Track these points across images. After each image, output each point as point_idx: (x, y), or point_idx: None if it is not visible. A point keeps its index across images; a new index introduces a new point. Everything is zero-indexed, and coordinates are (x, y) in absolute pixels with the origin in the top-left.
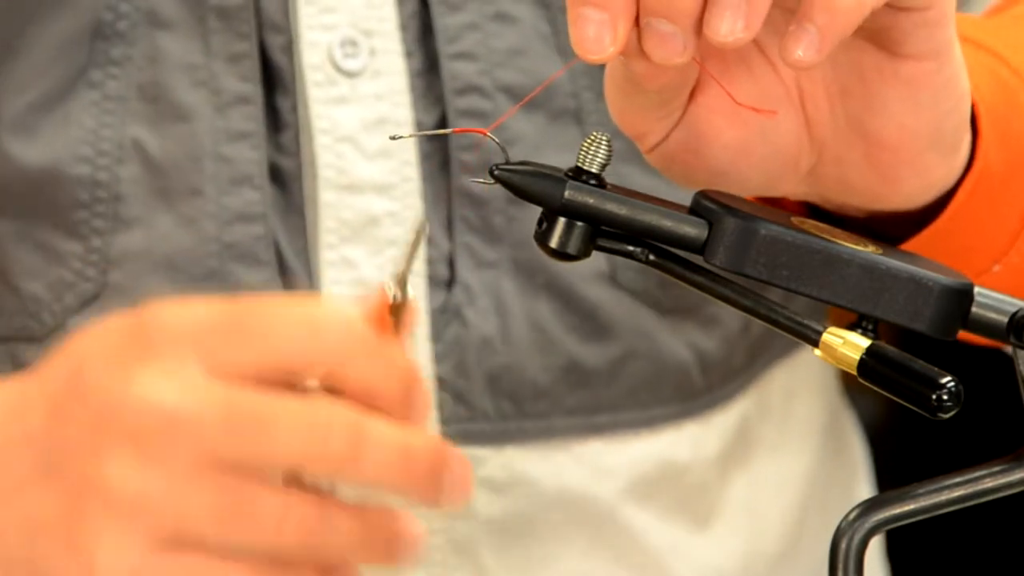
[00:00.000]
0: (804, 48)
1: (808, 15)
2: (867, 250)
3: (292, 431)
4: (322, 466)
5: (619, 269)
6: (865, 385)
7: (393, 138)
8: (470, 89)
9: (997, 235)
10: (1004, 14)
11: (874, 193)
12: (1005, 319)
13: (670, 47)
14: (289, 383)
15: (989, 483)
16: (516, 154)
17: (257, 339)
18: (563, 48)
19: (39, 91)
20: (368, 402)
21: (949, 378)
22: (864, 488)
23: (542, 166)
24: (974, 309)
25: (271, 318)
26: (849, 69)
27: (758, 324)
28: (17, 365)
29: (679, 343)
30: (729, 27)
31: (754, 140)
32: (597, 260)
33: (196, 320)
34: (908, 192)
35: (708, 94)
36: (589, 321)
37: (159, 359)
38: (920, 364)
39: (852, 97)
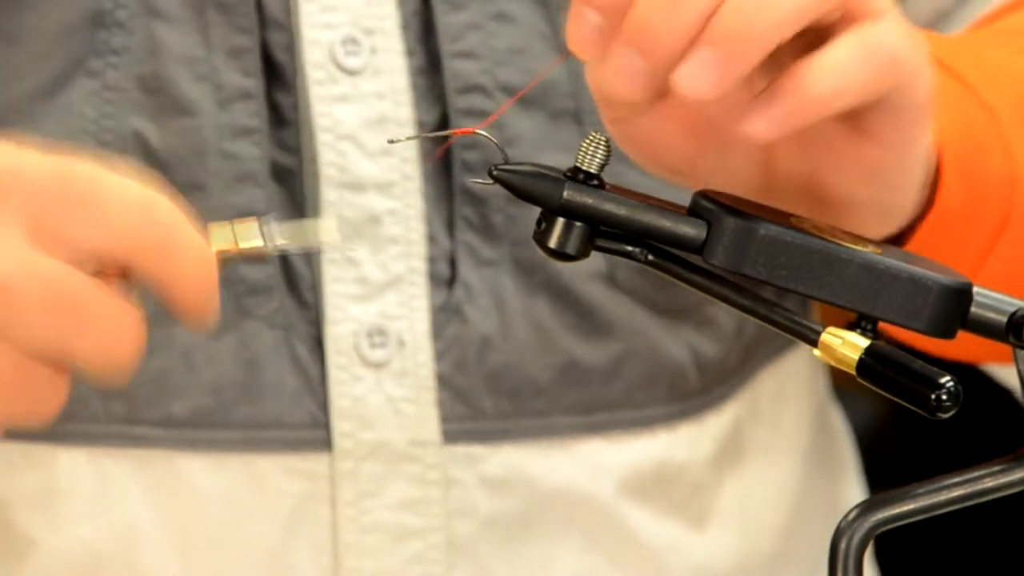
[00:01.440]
0: (765, 125)
1: (779, 93)
2: (866, 250)
3: (104, 323)
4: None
5: (617, 269)
6: (861, 385)
7: (391, 141)
8: (471, 88)
9: (958, 268)
10: (991, 28)
11: None
12: (1004, 319)
13: (627, 82)
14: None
15: (989, 483)
16: (515, 154)
17: (90, 216)
18: (563, 47)
19: (38, 79)
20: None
21: (948, 378)
22: (853, 488)
23: (541, 166)
24: (973, 309)
25: (107, 197)
26: (817, 135)
27: (752, 325)
28: None
29: (676, 343)
30: (697, 85)
31: (709, 156)
32: (595, 260)
33: (32, 179)
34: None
35: (674, 103)
36: (587, 320)
37: None
38: (919, 364)
39: (811, 155)
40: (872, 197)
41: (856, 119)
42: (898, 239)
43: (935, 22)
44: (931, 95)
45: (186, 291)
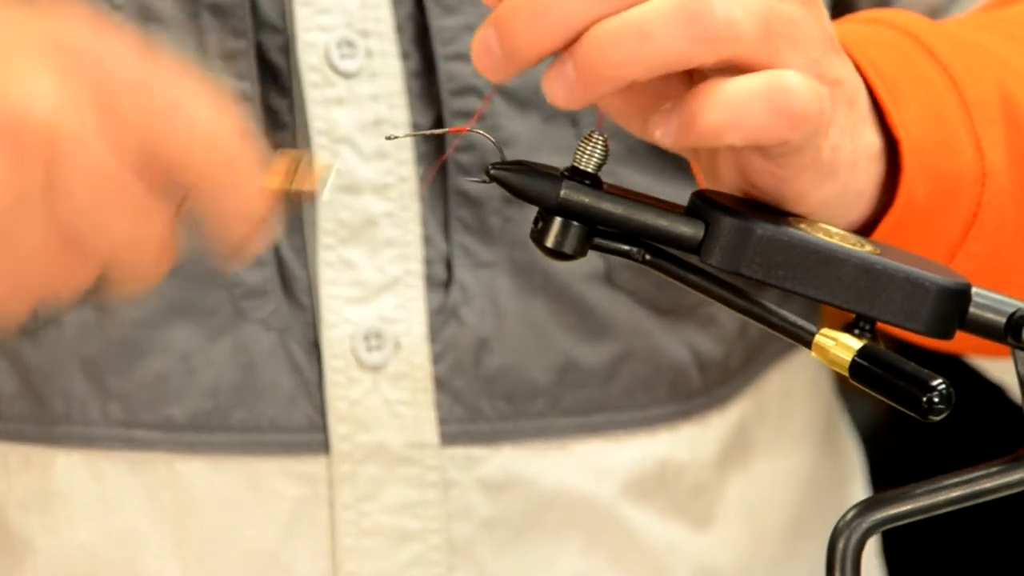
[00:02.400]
0: (661, 134)
1: (676, 111)
2: (864, 250)
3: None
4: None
5: (615, 269)
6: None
7: (389, 138)
8: (466, 90)
9: None
10: (993, 14)
11: None
12: (1003, 319)
13: (480, 58)
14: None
15: (987, 484)
16: (511, 156)
17: (159, 113)
18: None
19: None
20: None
21: (940, 380)
22: (858, 488)
23: (538, 165)
24: (971, 309)
25: (181, 103)
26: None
27: (755, 325)
28: (9, 357)
29: (676, 343)
30: (550, 93)
31: (700, 155)
32: (593, 260)
33: (113, 67)
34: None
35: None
36: (586, 321)
37: (55, 77)
38: (912, 366)
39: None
40: (814, 204)
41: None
42: (865, 233)
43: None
44: (818, 157)
45: (227, 226)
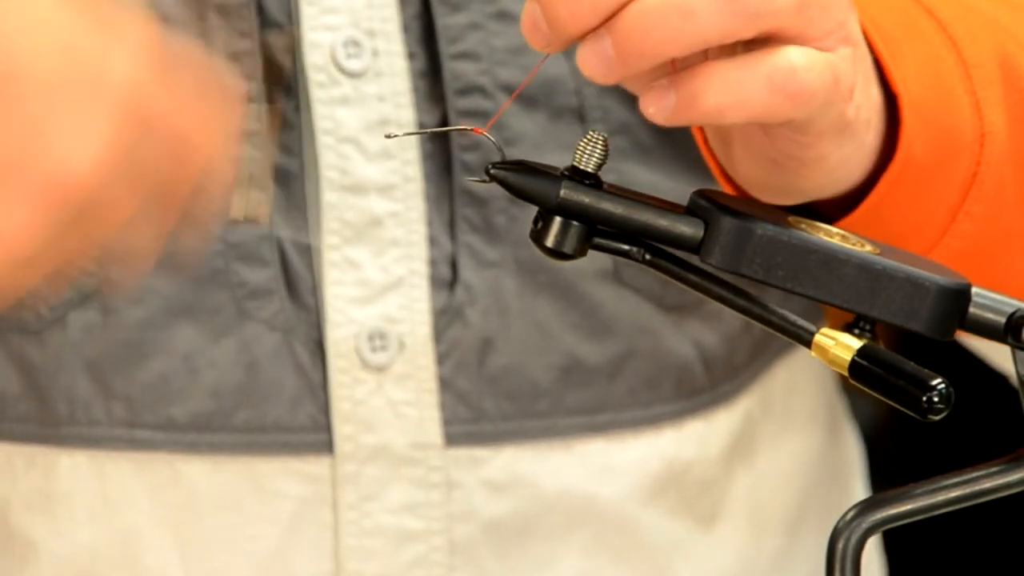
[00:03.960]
0: (654, 111)
1: (673, 88)
2: (864, 250)
3: None
4: None
5: (622, 266)
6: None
7: (388, 136)
8: (471, 89)
9: (926, 224)
10: None
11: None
12: (1003, 319)
13: (528, 31)
14: None
15: (987, 484)
16: (518, 153)
17: None
18: None
19: None
20: None
21: (939, 380)
22: (859, 484)
23: (538, 165)
24: (971, 309)
25: None
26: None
27: None
28: (14, 357)
29: (682, 340)
30: (587, 67)
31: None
32: (600, 257)
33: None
34: (817, 185)
35: None
36: (591, 319)
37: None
38: (911, 366)
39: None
40: (816, 181)
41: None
42: (865, 191)
43: None
44: (843, 120)
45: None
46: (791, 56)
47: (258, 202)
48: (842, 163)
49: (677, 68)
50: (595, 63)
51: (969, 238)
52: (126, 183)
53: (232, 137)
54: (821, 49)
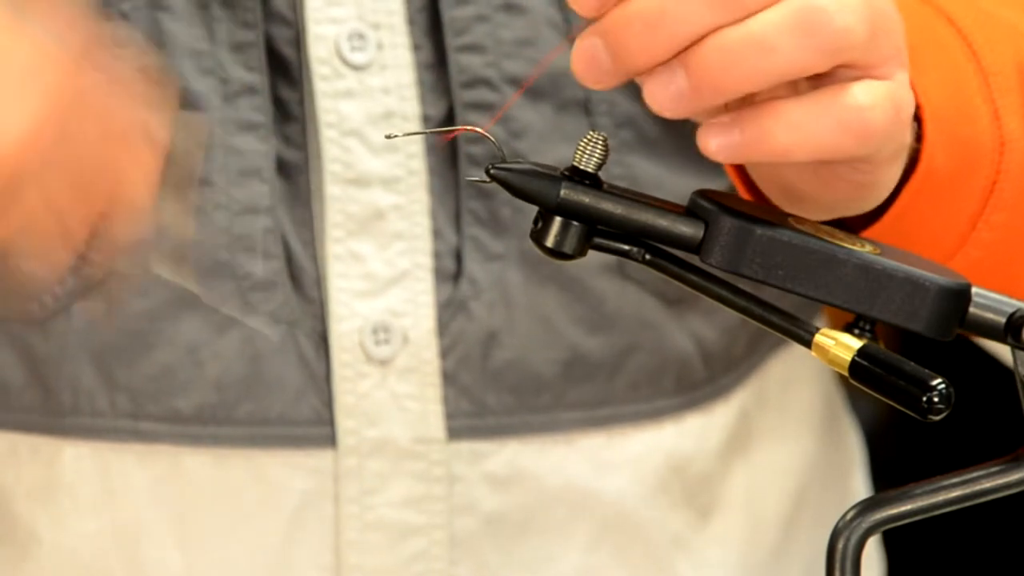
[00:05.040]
0: (716, 148)
1: (739, 126)
2: (864, 250)
3: None
4: None
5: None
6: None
7: (389, 137)
8: (477, 81)
9: (946, 233)
10: None
11: (815, 201)
12: (1003, 319)
13: (584, 68)
14: None
15: (987, 484)
16: (523, 146)
17: None
18: (572, 34)
19: None
20: None
21: (940, 380)
22: (859, 479)
23: (539, 165)
24: (971, 309)
25: None
26: None
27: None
28: (18, 347)
29: (682, 333)
30: (656, 102)
31: None
32: None
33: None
34: (862, 205)
35: None
36: (594, 312)
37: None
38: (911, 366)
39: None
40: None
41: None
42: (888, 203)
43: None
44: (902, 146)
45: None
46: (858, 96)
47: (181, 212)
48: (890, 183)
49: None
50: (665, 97)
51: (988, 247)
52: (54, 165)
53: (158, 142)
54: (881, 77)
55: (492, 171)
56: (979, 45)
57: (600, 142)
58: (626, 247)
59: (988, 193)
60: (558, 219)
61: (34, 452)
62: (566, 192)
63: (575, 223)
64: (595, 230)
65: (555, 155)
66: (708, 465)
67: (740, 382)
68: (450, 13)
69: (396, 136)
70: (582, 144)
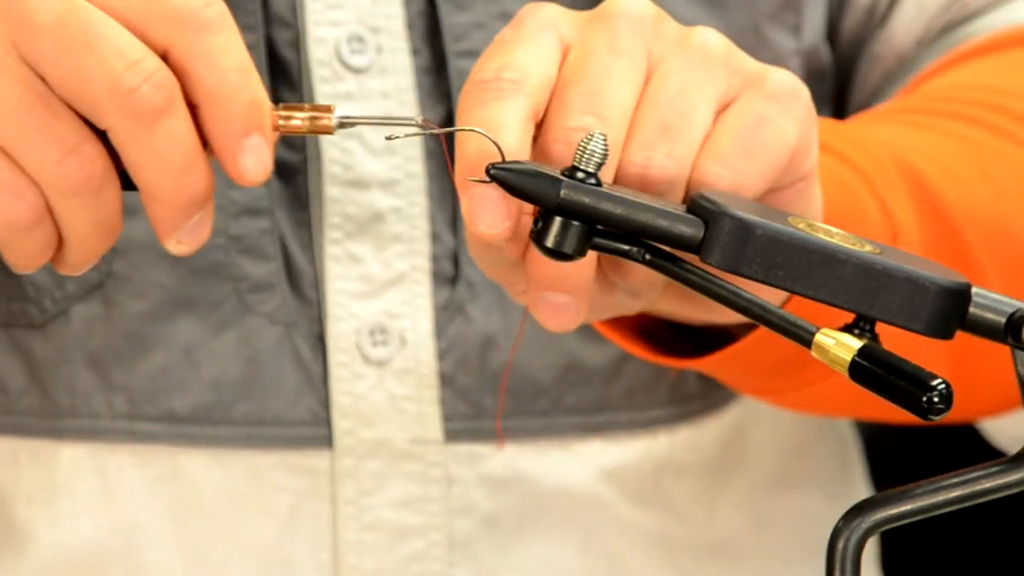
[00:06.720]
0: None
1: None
2: (864, 250)
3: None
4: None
5: None
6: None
7: (389, 138)
8: None
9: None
10: (889, 106)
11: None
12: (1003, 319)
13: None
14: None
15: (986, 484)
16: None
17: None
18: None
19: None
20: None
21: (940, 380)
22: (860, 485)
23: (538, 165)
24: (971, 309)
25: None
26: None
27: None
28: (17, 351)
29: None
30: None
31: None
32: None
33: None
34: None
35: None
36: None
37: None
38: (911, 366)
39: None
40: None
41: None
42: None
43: (915, 53)
44: None
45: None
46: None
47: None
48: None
49: None
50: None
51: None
52: None
53: None
54: None
55: (492, 171)
56: (846, 152)
57: (600, 141)
58: (626, 247)
59: None
60: (558, 219)
61: (34, 456)
62: (566, 192)
63: (575, 223)
64: (595, 230)
65: None
66: (703, 474)
67: (733, 398)
68: (449, 19)
69: (396, 137)
70: (582, 144)
